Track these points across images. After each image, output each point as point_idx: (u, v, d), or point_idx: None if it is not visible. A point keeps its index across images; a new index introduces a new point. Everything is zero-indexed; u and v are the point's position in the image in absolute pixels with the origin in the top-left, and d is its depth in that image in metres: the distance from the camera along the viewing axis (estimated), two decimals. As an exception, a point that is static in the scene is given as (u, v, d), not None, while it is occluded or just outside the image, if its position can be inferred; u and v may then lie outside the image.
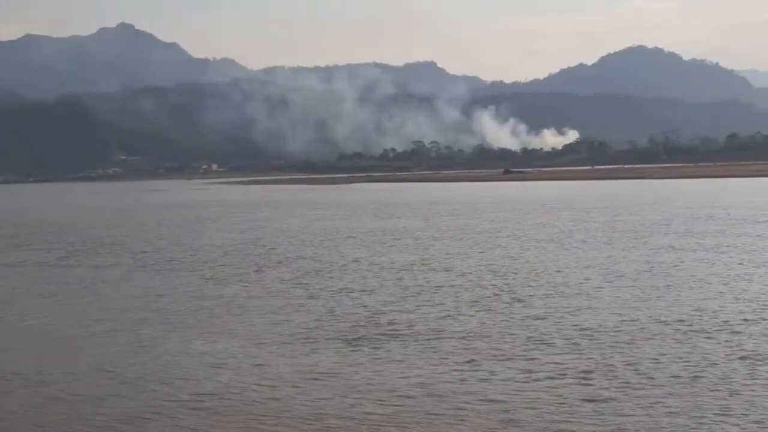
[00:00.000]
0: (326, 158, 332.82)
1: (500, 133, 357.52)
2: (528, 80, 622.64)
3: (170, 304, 22.90)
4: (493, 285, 24.38)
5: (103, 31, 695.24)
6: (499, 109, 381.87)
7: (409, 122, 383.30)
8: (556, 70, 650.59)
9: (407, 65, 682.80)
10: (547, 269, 27.49)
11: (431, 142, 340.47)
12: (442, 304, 21.53)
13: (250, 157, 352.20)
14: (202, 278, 27.96)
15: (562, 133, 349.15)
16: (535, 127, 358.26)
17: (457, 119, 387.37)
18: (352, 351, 16.63)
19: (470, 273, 27.08)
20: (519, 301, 21.60)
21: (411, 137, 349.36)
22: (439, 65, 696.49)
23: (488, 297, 22.31)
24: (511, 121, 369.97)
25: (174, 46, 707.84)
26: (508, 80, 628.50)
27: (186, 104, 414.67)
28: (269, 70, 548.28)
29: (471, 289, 23.68)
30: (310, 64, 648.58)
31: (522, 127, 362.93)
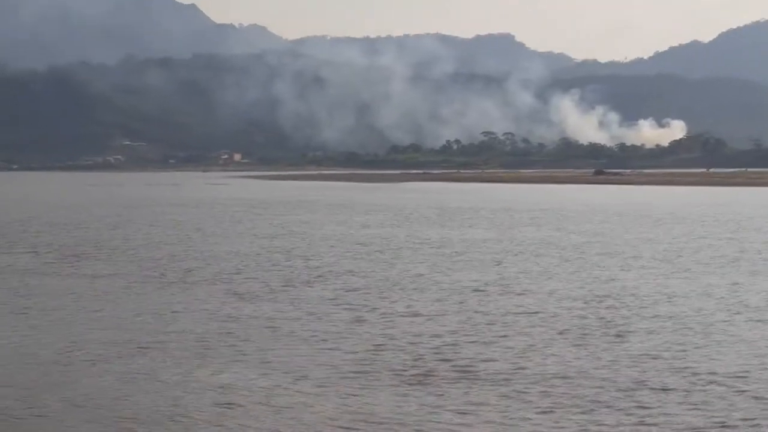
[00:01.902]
0: (367, 149, 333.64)
1: (585, 124, 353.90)
2: (628, 60, 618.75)
3: (181, 325, 22.92)
4: (587, 314, 24.07)
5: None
6: (584, 93, 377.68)
7: (471, 108, 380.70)
8: (664, 47, 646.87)
9: (477, 38, 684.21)
10: (654, 297, 27.10)
11: (505, 134, 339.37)
12: (523, 336, 21.30)
13: (274, 146, 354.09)
14: (221, 294, 28.03)
15: (663, 125, 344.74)
16: (630, 118, 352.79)
17: (531, 105, 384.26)
18: (408, 392, 16.44)
19: (557, 298, 26.82)
20: (619, 335, 21.28)
21: (473, 126, 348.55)
22: (518, 39, 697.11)
23: (580, 329, 22.02)
24: (599, 109, 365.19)
25: (191, 9, 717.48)
26: (603, 59, 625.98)
27: (202, 80, 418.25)
28: (301, 41, 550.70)
29: (558, 319, 23.40)
30: (357, 35, 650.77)
31: (612, 117, 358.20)
